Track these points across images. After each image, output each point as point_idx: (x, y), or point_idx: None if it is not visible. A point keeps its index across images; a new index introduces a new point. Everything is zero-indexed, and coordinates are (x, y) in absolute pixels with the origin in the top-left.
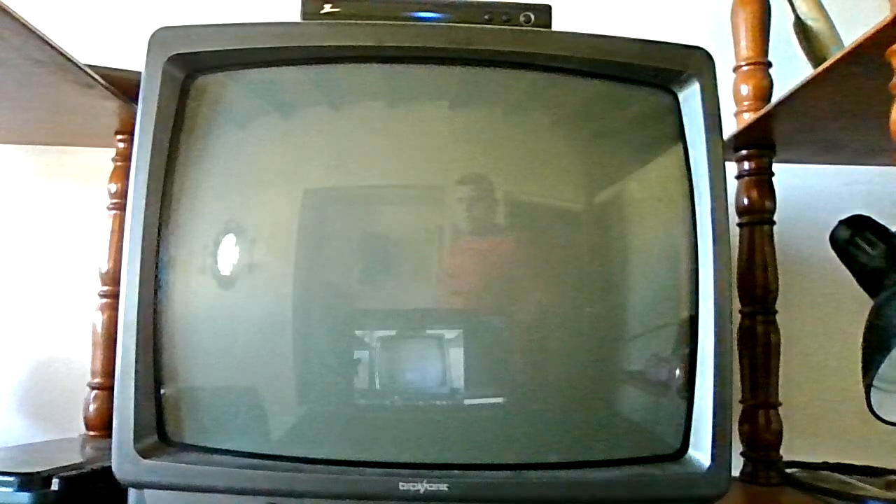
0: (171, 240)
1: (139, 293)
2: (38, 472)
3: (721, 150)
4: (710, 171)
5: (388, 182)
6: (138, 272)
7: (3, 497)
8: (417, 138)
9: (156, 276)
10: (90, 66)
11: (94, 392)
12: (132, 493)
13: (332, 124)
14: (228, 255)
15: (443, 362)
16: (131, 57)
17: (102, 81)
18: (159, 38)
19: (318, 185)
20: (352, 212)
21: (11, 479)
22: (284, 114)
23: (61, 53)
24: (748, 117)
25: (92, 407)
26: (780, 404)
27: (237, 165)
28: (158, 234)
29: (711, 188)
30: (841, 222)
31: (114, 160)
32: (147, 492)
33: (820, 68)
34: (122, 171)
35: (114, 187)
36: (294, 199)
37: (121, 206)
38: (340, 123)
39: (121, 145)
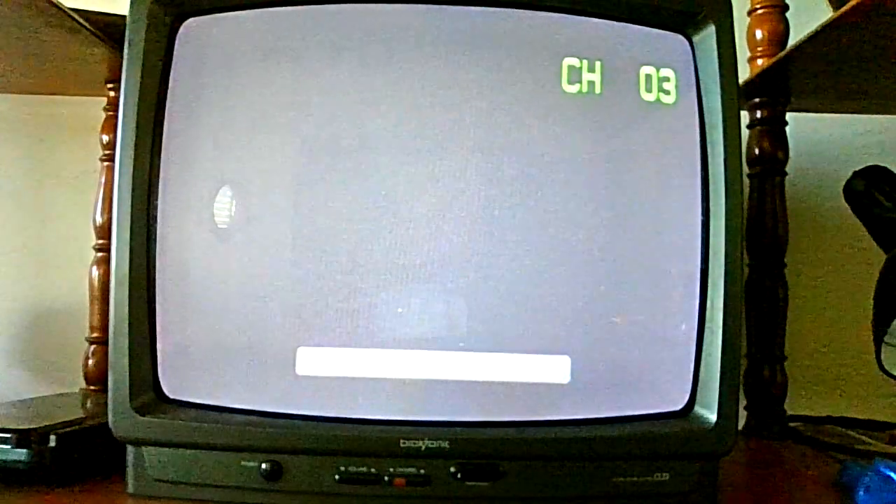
0: (164, 191)
1: (131, 246)
2: (35, 429)
3: (736, 97)
4: (724, 121)
5: (389, 131)
6: (129, 225)
7: (0, 454)
8: (419, 84)
9: (148, 229)
10: (75, 10)
11: (93, 346)
12: (130, 449)
13: (332, 69)
14: (224, 206)
15: (443, 316)
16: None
17: (88, 26)
18: None
19: (317, 133)
20: (351, 161)
21: (8, 435)
22: (280, 58)
23: None
24: (762, 63)
25: (91, 361)
26: (786, 358)
27: (231, 113)
28: (149, 185)
29: (725, 139)
30: (856, 173)
31: (105, 109)
32: (145, 449)
33: (840, 11)
34: (113, 121)
35: (106, 138)
36: (291, 147)
37: (113, 157)
38: (341, 68)
39: (112, 94)
